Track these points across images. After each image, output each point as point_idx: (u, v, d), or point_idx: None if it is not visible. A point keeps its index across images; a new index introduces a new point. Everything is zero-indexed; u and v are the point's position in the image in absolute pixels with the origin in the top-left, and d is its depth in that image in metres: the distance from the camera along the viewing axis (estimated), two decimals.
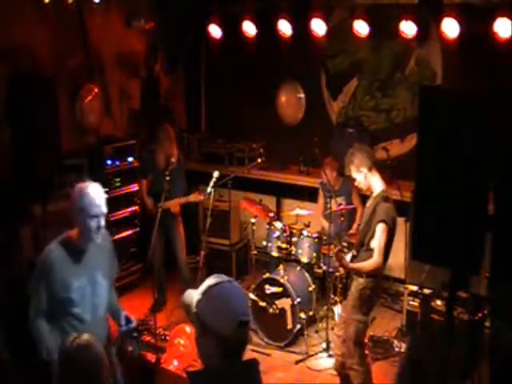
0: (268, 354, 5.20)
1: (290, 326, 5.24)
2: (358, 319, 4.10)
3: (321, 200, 5.93)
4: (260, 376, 2.03)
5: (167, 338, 5.18)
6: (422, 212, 3.03)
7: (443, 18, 5.23)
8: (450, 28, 5.22)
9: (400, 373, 4.10)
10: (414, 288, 5.24)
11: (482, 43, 5.18)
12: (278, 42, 6.19)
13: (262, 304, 5.29)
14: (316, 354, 5.18)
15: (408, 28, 5.49)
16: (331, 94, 6.80)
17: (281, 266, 5.45)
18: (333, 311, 5.41)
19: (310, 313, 5.45)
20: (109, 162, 5.93)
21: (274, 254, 5.60)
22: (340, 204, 5.44)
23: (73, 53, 5.89)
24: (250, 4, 6.31)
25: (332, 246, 5.10)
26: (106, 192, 5.71)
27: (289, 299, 5.19)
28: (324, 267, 5.50)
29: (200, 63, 7.54)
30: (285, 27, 6.12)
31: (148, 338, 5.18)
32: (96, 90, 6.10)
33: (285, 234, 5.51)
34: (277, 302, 5.25)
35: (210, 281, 1.99)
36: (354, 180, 4.17)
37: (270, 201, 6.87)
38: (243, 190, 6.74)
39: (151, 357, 4.58)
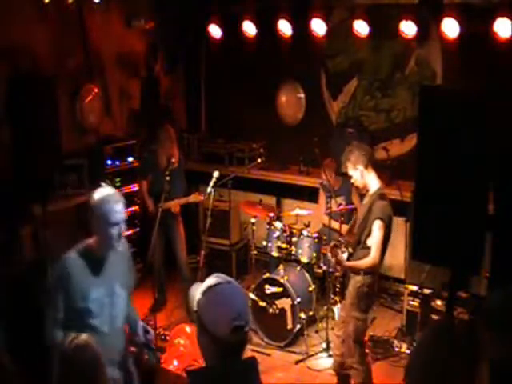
0: (268, 354, 5.20)
1: (290, 326, 5.24)
2: (357, 317, 4.12)
3: (321, 200, 5.92)
4: (259, 375, 2.03)
5: (167, 338, 5.18)
6: (422, 212, 3.03)
7: (443, 18, 5.23)
8: (450, 28, 5.22)
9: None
10: (414, 288, 5.24)
11: (482, 43, 5.18)
12: (277, 42, 6.19)
13: (262, 304, 5.29)
14: (316, 353, 5.18)
15: (408, 28, 5.49)
16: (331, 94, 6.80)
17: (281, 266, 5.45)
18: (333, 311, 5.41)
19: (310, 313, 5.45)
20: (109, 161, 5.93)
21: (274, 254, 5.60)
22: (340, 204, 5.44)
23: (73, 53, 5.89)
24: (250, 4, 6.31)
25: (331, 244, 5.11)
26: None
27: (289, 299, 5.19)
28: (324, 267, 5.50)
29: (200, 63, 7.54)
30: (285, 27, 6.11)
31: None
32: (96, 90, 6.10)
33: (285, 234, 5.51)
34: (277, 302, 5.25)
35: (210, 281, 1.99)
36: (351, 177, 4.19)
37: (270, 201, 6.87)
38: (243, 189, 6.75)
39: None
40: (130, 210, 6.20)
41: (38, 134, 4.78)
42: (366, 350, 4.31)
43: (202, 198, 5.59)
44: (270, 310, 5.27)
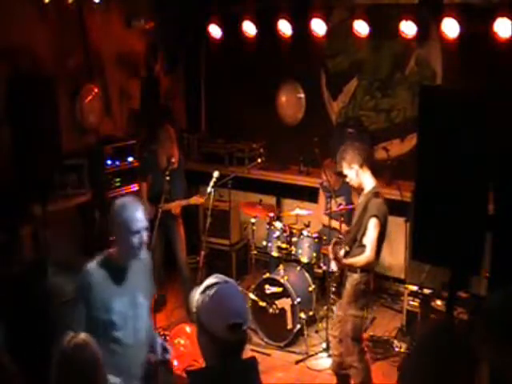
0: (268, 354, 5.20)
1: (290, 326, 5.23)
2: (355, 314, 4.14)
3: (321, 200, 5.92)
4: (259, 374, 2.03)
5: (167, 337, 5.18)
6: (422, 212, 3.03)
7: (443, 18, 5.23)
8: (450, 28, 5.22)
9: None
10: (414, 288, 5.25)
11: (482, 43, 5.18)
12: (277, 42, 6.19)
13: (262, 304, 5.29)
14: (316, 353, 5.18)
15: (408, 28, 5.49)
16: (331, 94, 6.80)
17: (281, 266, 5.45)
18: (333, 311, 5.40)
19: (310, 313, 5.45)
20: (109, 162, 5.92)
21: (274, 254, 5.59)
22: (340, 204, 5.44)
23: (73, 53, 5.88)
24: (250, 4, 6.31)
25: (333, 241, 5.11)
26: (106, 192, 5.81)
27: (289, 299, 5.19)
28: (324, 267, 5.50)
29: (200, 63, 7.54)
30: (285, 27, 6.11)
31: None
32: (96, 90, 6.09)
33: (285, 234, 5.51)
34: (277, 302, 5.25)
35: (209, 281, 2.00)
36: (346, 176, 4.21)
37: (270, 201, 6.87)
38: (243, 189, 6.74)
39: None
40: None
41: (38, 134, 4.78)
42: (365, 348, 4.31)
43: (202, 200, 5.59)
44: (270, 310, 5.27)
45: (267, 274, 5.38)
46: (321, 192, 5.99)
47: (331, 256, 4.23)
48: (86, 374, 2.30)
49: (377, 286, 6.14)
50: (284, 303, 5.23)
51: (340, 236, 4.84)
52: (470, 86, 4.78)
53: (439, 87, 5.19)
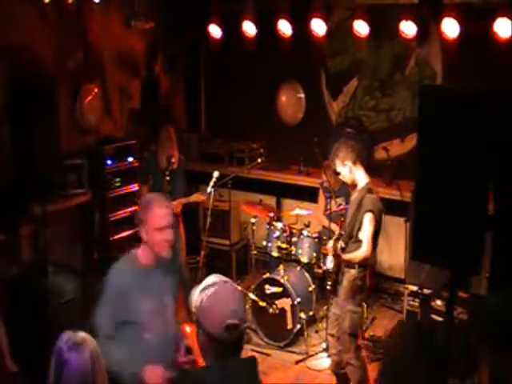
0: (268, 354, 5.20)
1: (289, 326, 5.23)
2: (353, 310, 4.16)
3: (321, 200, 5.92)
4: (259, 374, 2.03)
5: None
6: (422, 212, 3.03)
7: (443, 18, 5.22)
8: (450, 28, 5.21)
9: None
10: (414, 288, 5.25)
11: (482, 43, 5.18)
12: (277, 42, 6.18)
13: (262, 304, 5.28)
14: (316, 353, 5.18)
15: (408, 28, 5.48)
16: (331, 94, 6.80)
17: (281, 266, 5.45)
18: None
19: (310, 313, 5.45)
20: (109, 162, 5.93)
21: (274, 254, 5.59)
22: (340, 204, 5.44)
23: (73, 53, 5.88)
24: (250, 4, 6.30)
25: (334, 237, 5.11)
26: (106, 192, 5.81)
27: (289, 299, 5.19)
28: (324, 267, 5.50)
29: (200, 63, 7.54)
30: (285, 27, 6.10)
31: None
32: (96, 90, 6.09)
33: (285, 234, 5.51)
34: (277, 302, 5.25)
35: (208, 280, 2.00)
36: (339, 174, 4.23)
37: (270, 201, 6.87)
38: (243, 190, 6.74)
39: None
40: (130, 209, 6.20)
41: (38, 134, 4.78)
42: (361, 346, 4.32)
43: (203, 197, 5.58)
44: (270, 310, 5.27)
45: (267, 274, 5.38)
46: (321, 192, 5.98)
47: (331, 252, 4.24)
48: (84, 373, 2.30)
49: (377, 286, 6.15)
50: (284, 303, 5.23)
51: (342, 232, 4.84)
52: (470, 86, 4.78)
53: (439, 87, 5.18)
